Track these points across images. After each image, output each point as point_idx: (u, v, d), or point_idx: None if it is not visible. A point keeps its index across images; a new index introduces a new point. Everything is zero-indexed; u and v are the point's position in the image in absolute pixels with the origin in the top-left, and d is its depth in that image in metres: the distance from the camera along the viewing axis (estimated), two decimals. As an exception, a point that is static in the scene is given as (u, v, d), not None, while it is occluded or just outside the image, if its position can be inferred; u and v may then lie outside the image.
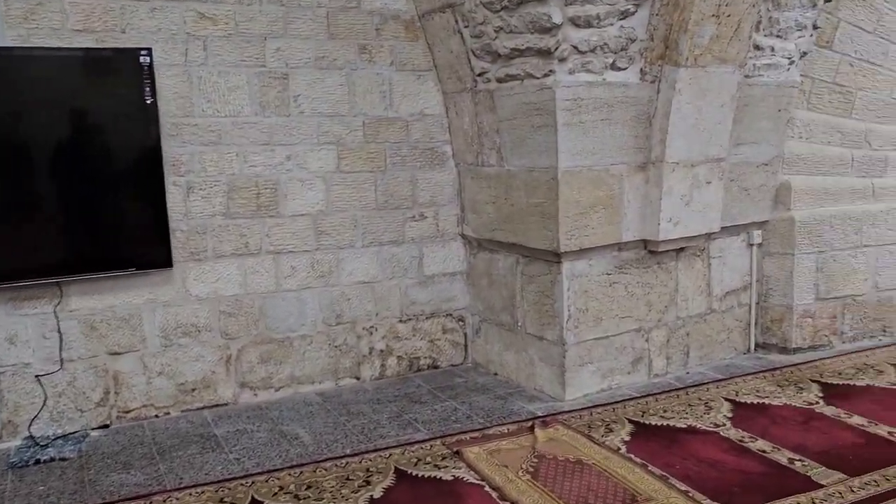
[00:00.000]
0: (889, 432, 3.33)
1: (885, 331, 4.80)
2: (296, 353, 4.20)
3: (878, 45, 4.52)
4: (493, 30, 3.66)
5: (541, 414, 3.74)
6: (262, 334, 4.11)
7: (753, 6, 3.71)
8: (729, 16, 3.63)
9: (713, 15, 3.59)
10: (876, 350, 4.55)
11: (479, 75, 3.92)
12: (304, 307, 4.20)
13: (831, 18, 4.34)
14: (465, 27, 3.84)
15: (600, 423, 3.54)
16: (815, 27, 4.18)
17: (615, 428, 3.48)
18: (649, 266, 4.13)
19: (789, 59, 4.14)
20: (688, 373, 4.32)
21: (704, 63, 3.72)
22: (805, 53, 4.22)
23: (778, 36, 4.04)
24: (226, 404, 4.04)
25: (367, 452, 3.31)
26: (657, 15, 3.58)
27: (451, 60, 4.10)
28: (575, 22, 3.43)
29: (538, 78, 3.58)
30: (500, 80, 3.81)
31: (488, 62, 3.83)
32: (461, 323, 4.65)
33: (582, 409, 3.77)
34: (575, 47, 3.47)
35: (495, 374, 4.43)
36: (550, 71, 3.51)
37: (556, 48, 3.45)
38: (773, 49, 4.06)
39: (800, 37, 4.11)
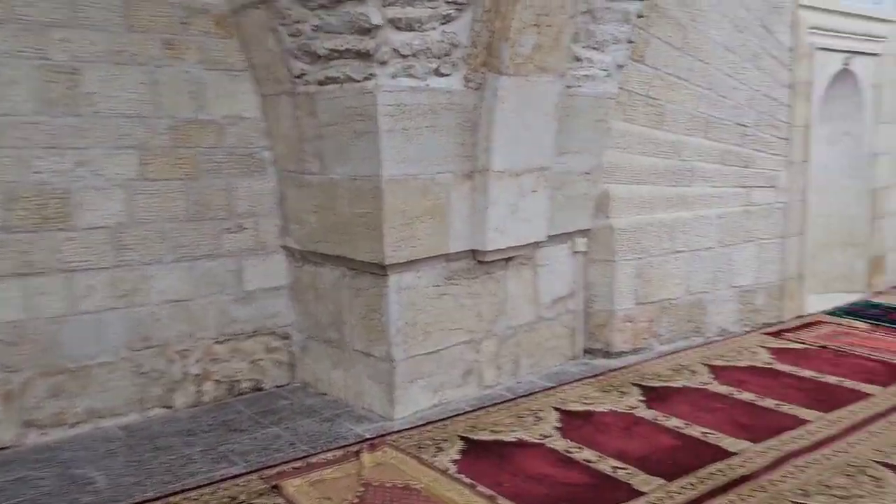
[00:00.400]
0: (702, 433, 3.47)
1: (697, 331, 5.08)
2: (94, 383, 3.72)
3: (684, 62, 4.77)
4: (311, 29, 3.43)
5: (369, 436, 3.55)
6: (52, 364, 3.60)
7: (572, 18, 3.75)
8: (549, 26, 3.65)
9: (534, 24, 3.58)
10: (689, 351, 4.80)
11: (298, 77, 3.67)
12: (105, 331, 3.74)
13: (643, 34, 4.51)
14: (282, 25, 3.57)
15: (430, 443, 3.41)
16: (629, 41, 4.32)
17: (445, 446, 3.36)
18: (478, 276, 4.07)
19: (606, 71, 4.25)
20: (518, 382, 4.31)
21: (527, 72, 3.71)
22: (621, 66, 4.36)
23: (595, 48, 4.13)
24: (6, 448, 3.49)
25: (171, 495, 2.94)
26: (479, 21, 3.51)
27: (268, 60, 3.81)
28: (395, 24, 3.28)
29: (359, 81, 3.39)
30: (320, 83, 3.58)
31: (307, 63, 3.59)
32: (286, 341, 4.35)
33: (412, 427, 3.62)
34: (396, 51, 3.33)
35: (324, 394, 4.18)
36: (371, 74, 3.34)
37: (377, 51, 3.28)
38: (591, 61, 4.14)
39: (616, 50, 4.23)
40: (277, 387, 4.32)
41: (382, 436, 3.52)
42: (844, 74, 5.98)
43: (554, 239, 4.41)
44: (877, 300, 6.10)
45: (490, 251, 3.94)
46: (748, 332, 5.27)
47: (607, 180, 4.64)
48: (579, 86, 4.19)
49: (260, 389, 4.26)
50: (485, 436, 3.48)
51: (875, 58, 6.20)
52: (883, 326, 5.26)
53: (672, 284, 4.91)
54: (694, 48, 4.81)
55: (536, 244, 4.26)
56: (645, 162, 4.80)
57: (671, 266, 4.88)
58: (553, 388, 4.18)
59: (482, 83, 3.67)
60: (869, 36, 6.06)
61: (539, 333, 4.48)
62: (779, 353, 4.71)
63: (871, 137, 6.34)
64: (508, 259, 4.18)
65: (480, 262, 4.03)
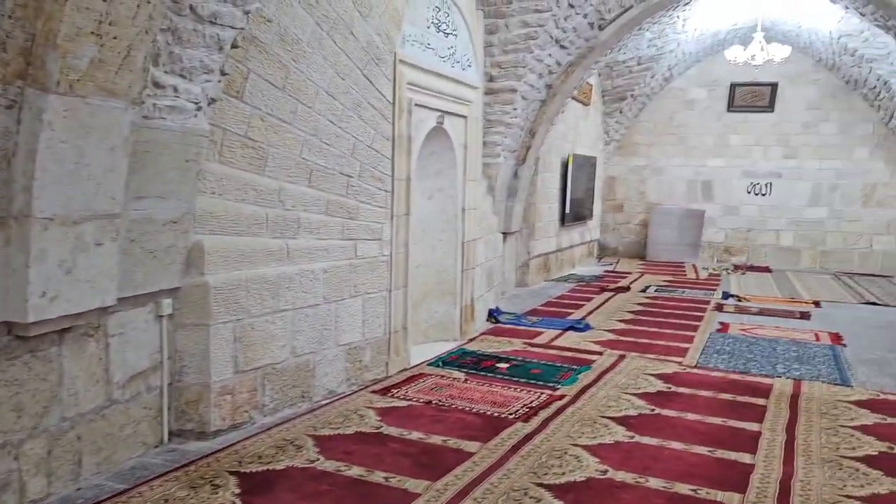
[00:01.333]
0: (307, 531, 2.98)
1: (303, 396, 4.65)
2: None
3: (287, 103, 4.37)
4: None
5: None
6: None
7: (147, 32, 3.04)
8: (115, 38, 2.89)
9: (93, 33, 2.80)
10: (295, 420, 4.32)
11: None
12: None
13: (241, 67, 4.00)
14: None
15: None
16: (223, 73, 3.77)
17: None
18: (18, 356, 3.05)
19: (196, 103, 3.63)
20: (79, 489, 3.34)
21: (85, 92, 2.89)
22: (214, 100, 3.77)
23: (182, 75, 3.49)
24: None
25: None
26: (9, 18, 2.61)
27: None
28: None
29: None
30: None
31: None
32: None
33: None
34: None
35: None
36: None
37: None
38: (176, 89, 3.48)
39: (207, 81, 3.64)
40: None
41: None
42: (439, 132, 6.26)
43: (130, 301, 3.59)
44: (470, 347, 6.42)
45: (34, 324, 2.97)
46: (357, 391, 5.02)
47: (201, 231, 3.97)
48: (163, 118, 3.50)
49: None
50: (14, 586, 2.50)
51: (463, 119, 6.65)
52: (477, 375, 5.47)
53: (276, 347, 4.41)
54: (296, 90, 4.44)
55: (105, 310, 3.38)
56: (245, 210, 4.25)
57: (275, 327, 4.39)
58: (126, 490, 3.31)
59: (18, 101, 2.75)
60: (458, 99, 6.46)
61: (110, 421, 3.57)
62: (386, 413, 4.51)
63: (462, 193, 6.76)
64: (65, 330, 3.23)
65: (21, 338, 3.02)
